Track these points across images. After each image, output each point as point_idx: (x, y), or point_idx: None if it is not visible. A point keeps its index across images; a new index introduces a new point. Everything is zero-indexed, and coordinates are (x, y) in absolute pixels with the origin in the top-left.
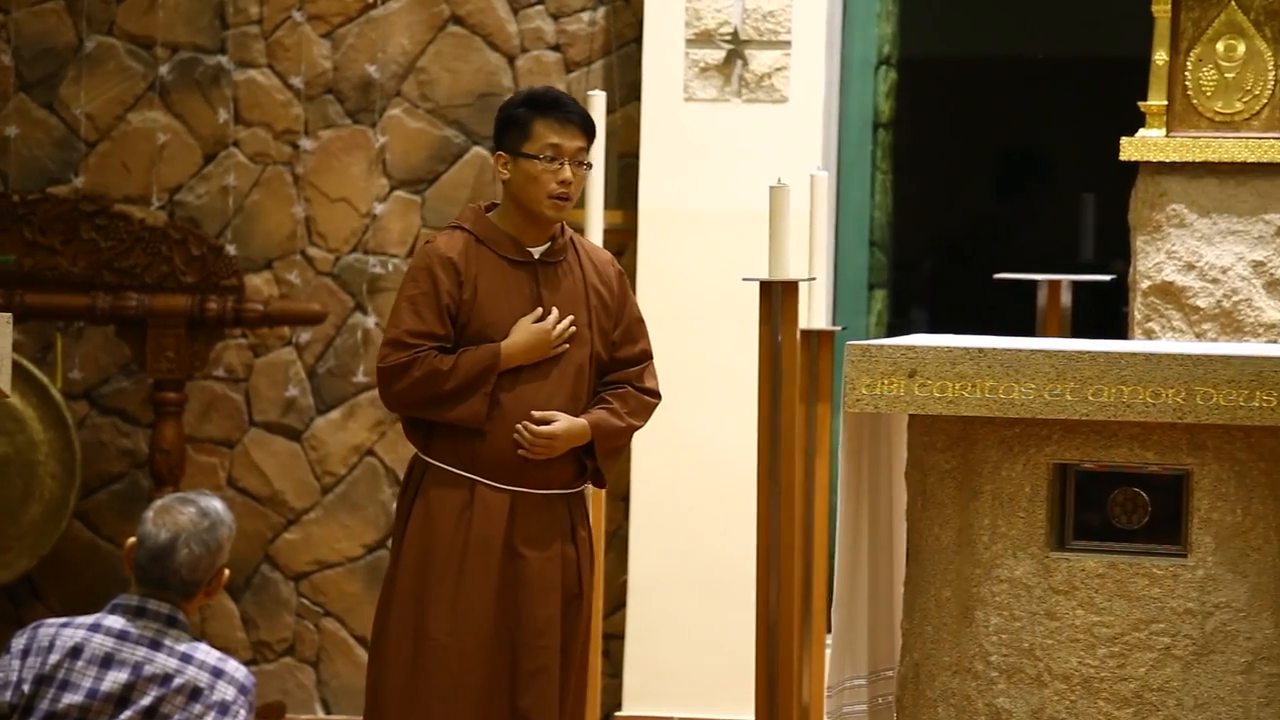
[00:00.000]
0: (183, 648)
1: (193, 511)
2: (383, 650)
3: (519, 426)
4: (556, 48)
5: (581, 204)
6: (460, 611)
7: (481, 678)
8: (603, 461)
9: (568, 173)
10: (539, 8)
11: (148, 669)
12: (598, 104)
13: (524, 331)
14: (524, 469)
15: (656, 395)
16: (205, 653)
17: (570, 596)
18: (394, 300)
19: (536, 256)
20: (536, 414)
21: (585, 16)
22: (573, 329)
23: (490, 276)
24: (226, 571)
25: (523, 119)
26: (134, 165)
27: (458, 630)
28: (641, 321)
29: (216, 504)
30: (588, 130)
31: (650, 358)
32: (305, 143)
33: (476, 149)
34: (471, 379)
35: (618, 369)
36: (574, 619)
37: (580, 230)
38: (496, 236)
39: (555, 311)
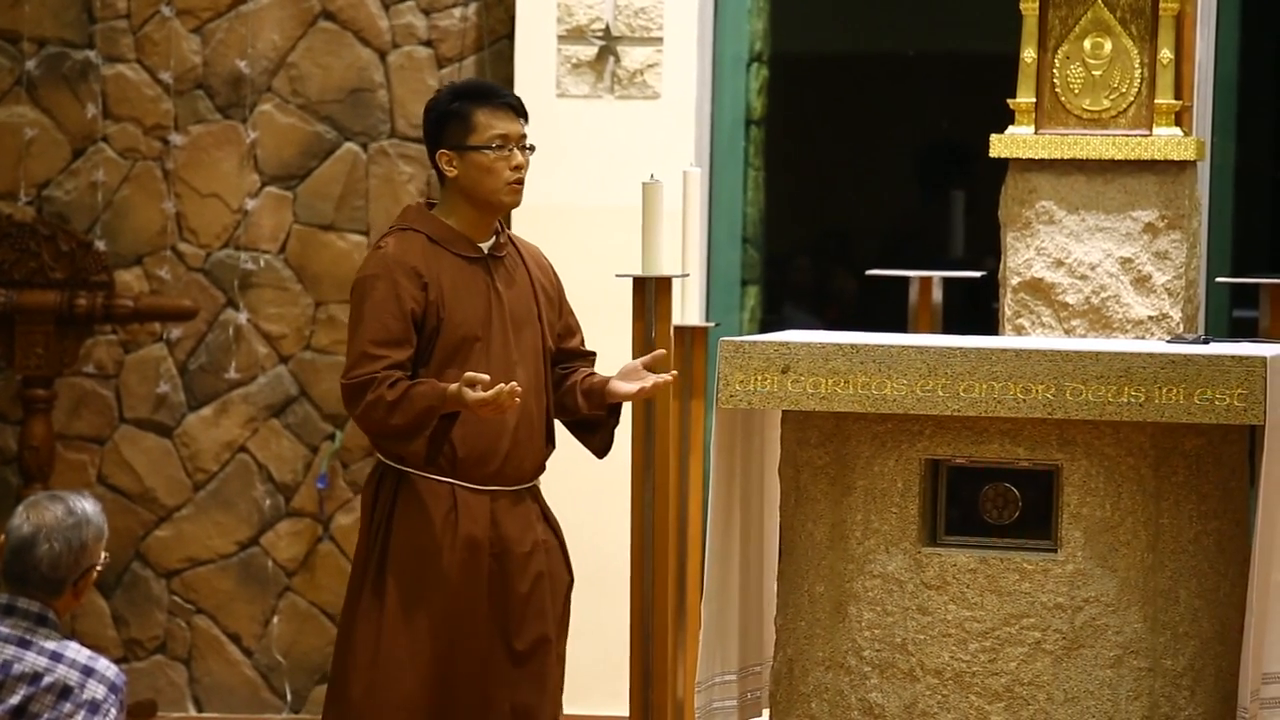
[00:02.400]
0: (52, 646)
1: (60, 509)
2: (367, 658)
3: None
4: (428, 43)
5: None
6: (456, 616)
7: (480, 680)
8: (607, 430)
9: (519, 158)
10: (410, 3)
11: (16, 667)
12: None
13: (467, 392)
14: (500, 468)
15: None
16: (75, 651)
17: (561, 583)
18: (350, 312)
19: (486, 252)
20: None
21: (457, 12)
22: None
23: (451, 275)
24: (96, 571)
25: (461, 112)
26: (1, 160)
27: (455, 637)
28: (574, 313)
29: (87, 504)
30: (523, 114)
31: (587, 353)
32: (175, 138)
33: (348, 145)
34: (415, 417)
35: (564, 359)
36: (564, 606)
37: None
38: (449, 235)
39: (504, 387)
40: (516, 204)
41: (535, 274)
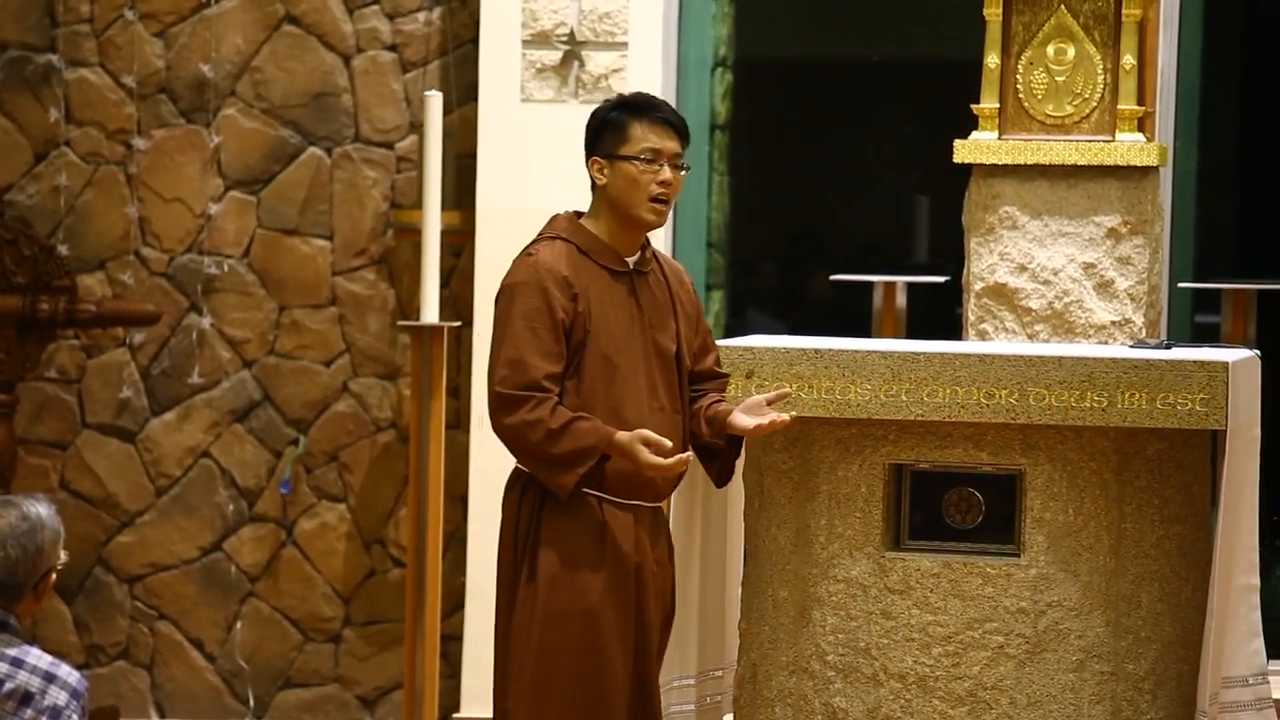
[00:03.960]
0: (13, 652)
1: (13, 515)
2: (537, 668)
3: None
4: (393, 48)
5: (418, 205)
6: (610, 628)
7: (629, 694)
8: (730, 459)
9: (667, 174)
10: (374, 8)
11: None
12: (434, 105)
13: (643, 451)
14: (644, 484)
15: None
16: (37, 657)
17: (668, 610)
18: (497, 317)
19: (631, 266)
20: (652, 437)
21: (421, 17)
22: (684, 465)
23: (597, 288)
24: (55, 573)
25: (619, 122)
26: None
27: (616, 647)
28: (710, 331)
29: (41, 508)
30: (683, 134)
31: (722, 376)
32: (138, 142)
33: (313, 149)
34: (574, 452)
35: (697, 380)
36: (667, 632)
37: (416, 231)
38: (597, 246)
39: (682, 457)
40: (659, 223)
41: (676, 291)
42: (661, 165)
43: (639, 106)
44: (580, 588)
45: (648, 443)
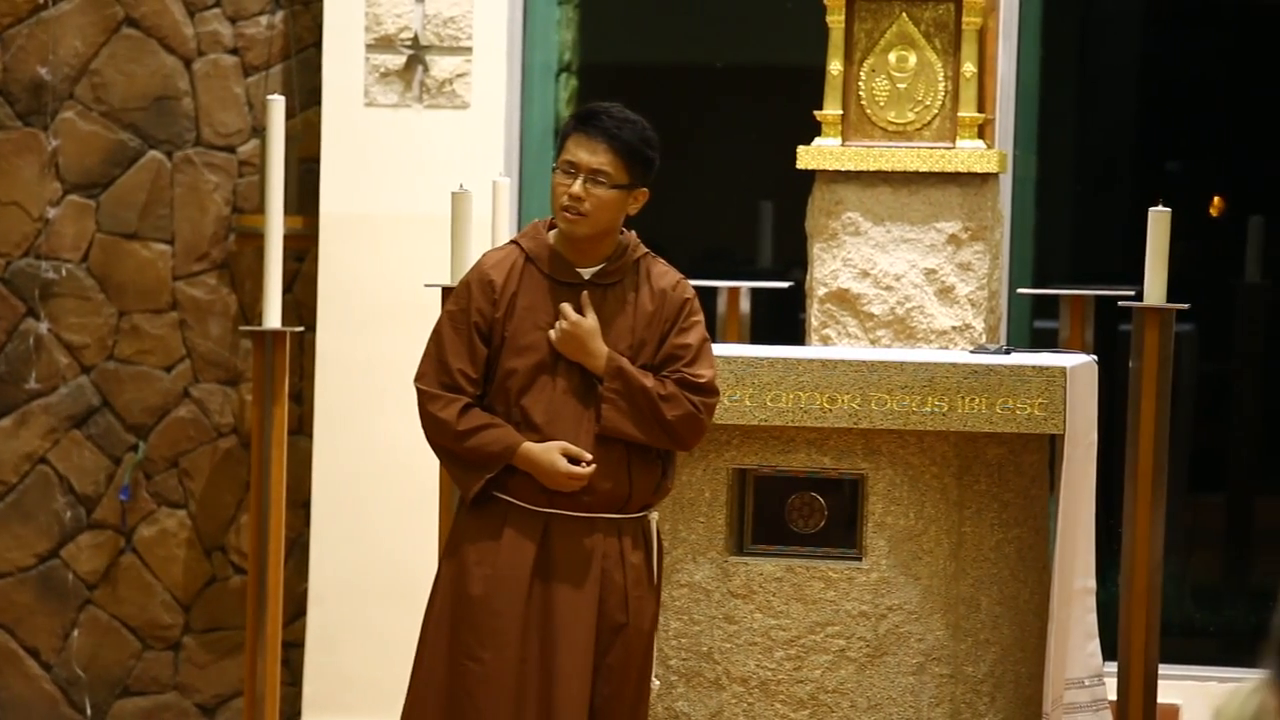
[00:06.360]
0: None
1: None
2: (416, 674)
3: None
4: (234, 51)
5: (261, 209)
6: (488, 638)
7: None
8: (607, 404)
9: (576, 187)
10: (216, 11)
11: None
12: (276, 109)
13: (549, 461)
14: (556, 492)
15: (704, 391)
16: None
17: (613, 626)
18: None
19: (587, 277)
20: (571, 448)
21: (264, 20)
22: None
23: (530, 294)
24: None
25: (563, 131)
26: None
27: (488, 658)
28: (690, 346)
29: None
30: (616, 148)
31: (694, 376)
32: None
33: (153, 152)
34: (479, 458)
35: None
36: (622, 651)
37: (259, 236)
38: (545, 255)
39: (588, 468)
40: (572, 232)
41: (644, 306)
42: (576, 177)
43: (581, 117)
44: (460, 590)
45: (565, 453)
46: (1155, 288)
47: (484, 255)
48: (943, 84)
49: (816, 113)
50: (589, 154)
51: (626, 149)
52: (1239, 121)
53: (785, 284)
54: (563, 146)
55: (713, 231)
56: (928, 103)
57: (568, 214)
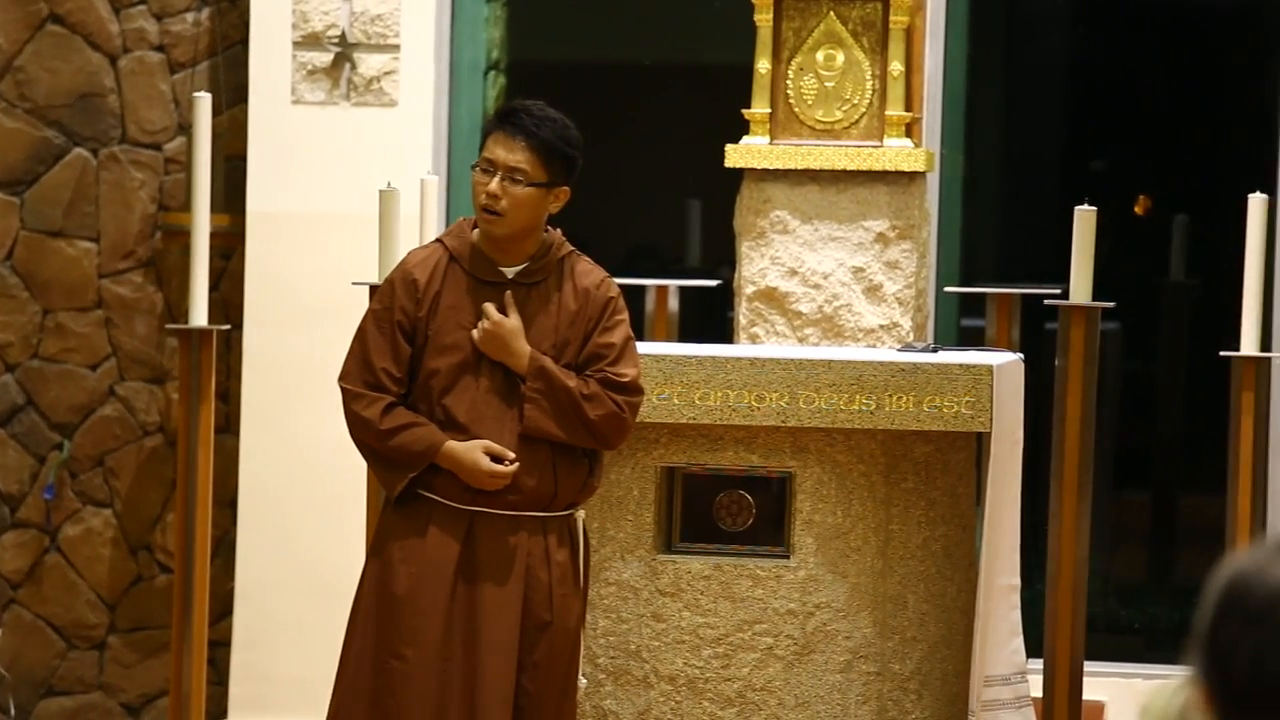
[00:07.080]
0: None
1: None
2: (341, 672)
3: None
4: (160, 48)
5: (187, 207)
6: (411, 635)
7: (433, 706)
8: (530, 404)
9: (493, 184)
10: (141, 7)
11: None
12: (203, 106)
13: (472, 460)
14: (480, 492)
15: (627, 390)
16: None
17: (538, 624)
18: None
19: (510, 276)
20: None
21: (190, 17)
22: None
23: (453, 293)
24: None
25: (485, 129)
26: None
27: (412, 656)
28: (614, 345)
29: None
30: (534, 146)
31: (617, 376)
32: None
33: (78, 150)
34: (402, 457)
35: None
36: (547, 649)
37: (185, 233)
38: (466, 252)
39: (510, 466)
40: (490, 232)
41: (568, 305)
42: (494, 175)
43: (500, 115)
44: (385, 588)
45: (489, 451)
46: (1081, 286)
47: (408, 254)
48: (870, 83)
49: (744, 111)
50: (506, 152)
51: (545, 147)
52: (1164, 121)
53: (713, 282)
54: (483, 144)
55: (640, 229)
56: (855, 101)
57: (486, 213)
